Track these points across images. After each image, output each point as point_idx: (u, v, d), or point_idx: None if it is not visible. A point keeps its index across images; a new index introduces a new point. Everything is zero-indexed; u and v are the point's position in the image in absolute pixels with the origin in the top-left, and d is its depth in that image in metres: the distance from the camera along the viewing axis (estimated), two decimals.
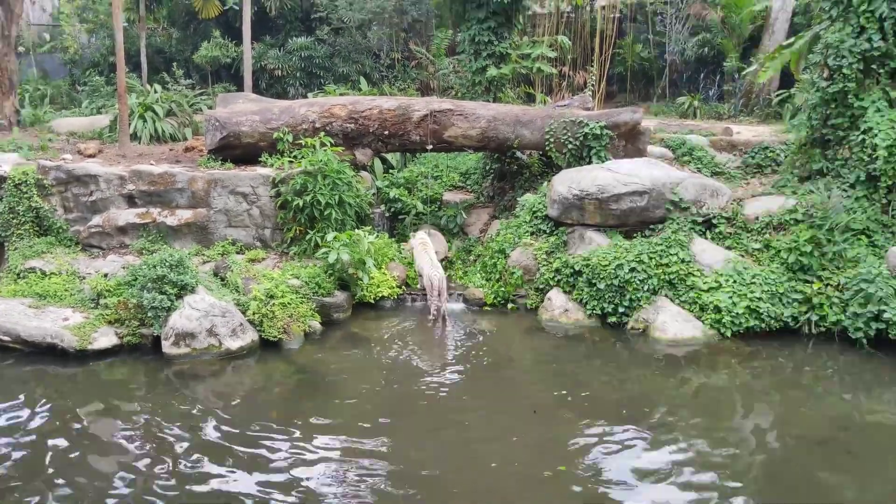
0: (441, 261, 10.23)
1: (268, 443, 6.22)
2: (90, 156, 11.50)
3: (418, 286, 10.06)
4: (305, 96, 16.90)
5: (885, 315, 8.01)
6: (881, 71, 9.24)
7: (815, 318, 8.51)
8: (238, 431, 6.43)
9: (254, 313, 8.50)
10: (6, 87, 14.59)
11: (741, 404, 7.20)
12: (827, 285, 8.61)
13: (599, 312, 9.11)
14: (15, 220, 10.03)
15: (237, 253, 10.06)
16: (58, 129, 14.37)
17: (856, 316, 8.23)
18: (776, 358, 8.19)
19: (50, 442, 6.27)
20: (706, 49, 17.38)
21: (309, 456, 6.02)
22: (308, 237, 10.01)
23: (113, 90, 16.31)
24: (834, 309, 8.44)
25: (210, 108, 15.02)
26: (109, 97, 16.80)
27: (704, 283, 8.87)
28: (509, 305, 9.85)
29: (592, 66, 16.54)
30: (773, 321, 8.57)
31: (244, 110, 11.06)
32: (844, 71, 9.22)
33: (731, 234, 9.58)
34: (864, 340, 8.18)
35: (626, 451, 6.12)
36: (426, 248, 9.95)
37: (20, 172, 10.13)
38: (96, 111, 16.20)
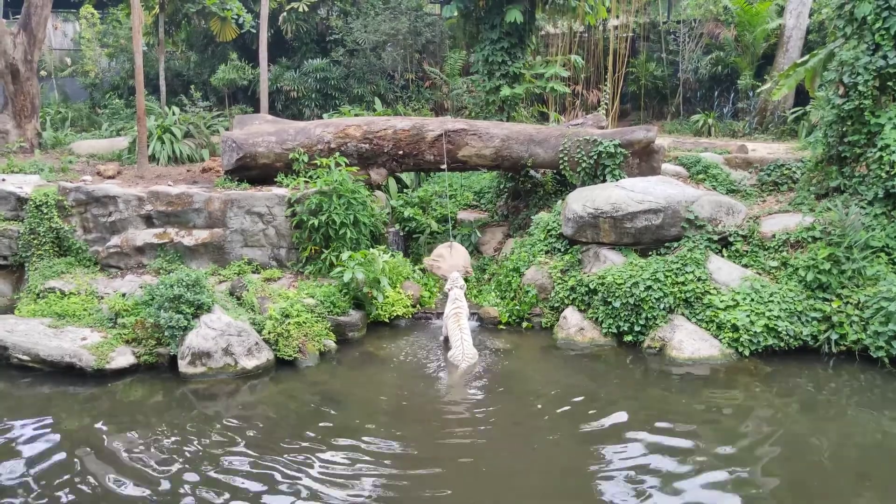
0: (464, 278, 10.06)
1: (280, 463, 6.21)
2: (109, 177, 11.68)
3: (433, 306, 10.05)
4: (321, 117, 17.11)
5: None
6: None
7: (834, 336, 8.40)
8: (252, 451, 6.43)
9: (269, 332, 8.54)
10: (28, 111, 14.88)
11: (761, 424, 7.08)
12: (846, 303, 8.51)
13: (615, 331, 9.05)
14: (35, 241, 10.18)
15: (253, 272, 10.14)
16: (78, 151, 14.61)
17: (877, 335, 8.13)
18: (796, 377, 8.07)
19: (67, 461, 6.29)
20: (720, 67, 17.40)
21: (320, 479, 5.99)
22: (323, 256, 10.07)
23: (132, 113, 16.61)
24: (854, 327, 8.33)
25: (227, 129, 15.24)
26: (129, 119, 17.12)
27: (721, 302, 8.79)
28: (524, 324, 9.81)
29: (606, 84, 16.59)
30: (791, 340, 8.48)
31: (260, 131, 11.19)
32: (860, 88, 9.18)
33: (747, 251, 9.51)
34: (886, 359, 8.07)
35: (647, 476, 6.03)
36: (459, 319, 8.84)
37: (41, 194, 10.30)
38: (116, 133, 16.50)
